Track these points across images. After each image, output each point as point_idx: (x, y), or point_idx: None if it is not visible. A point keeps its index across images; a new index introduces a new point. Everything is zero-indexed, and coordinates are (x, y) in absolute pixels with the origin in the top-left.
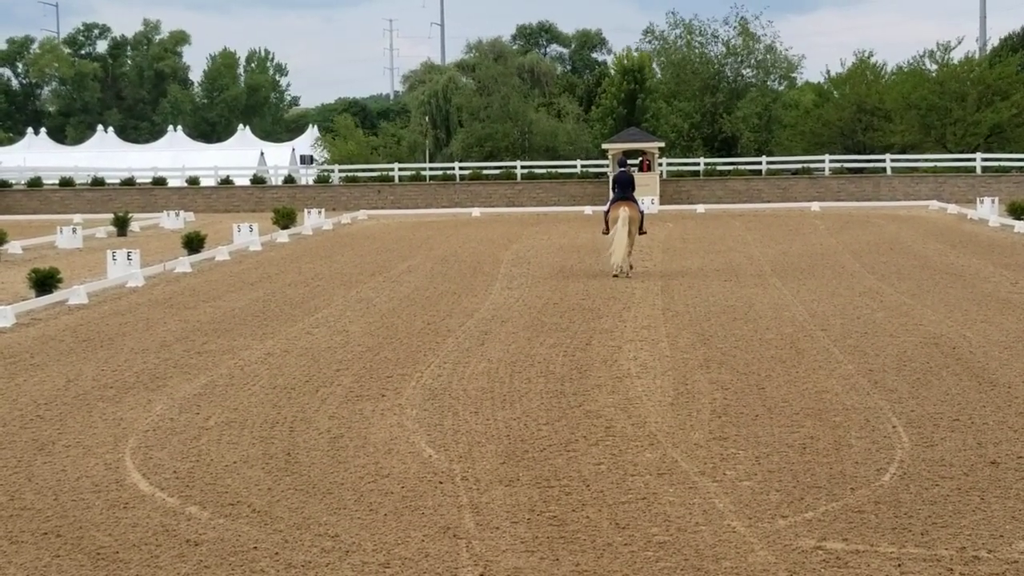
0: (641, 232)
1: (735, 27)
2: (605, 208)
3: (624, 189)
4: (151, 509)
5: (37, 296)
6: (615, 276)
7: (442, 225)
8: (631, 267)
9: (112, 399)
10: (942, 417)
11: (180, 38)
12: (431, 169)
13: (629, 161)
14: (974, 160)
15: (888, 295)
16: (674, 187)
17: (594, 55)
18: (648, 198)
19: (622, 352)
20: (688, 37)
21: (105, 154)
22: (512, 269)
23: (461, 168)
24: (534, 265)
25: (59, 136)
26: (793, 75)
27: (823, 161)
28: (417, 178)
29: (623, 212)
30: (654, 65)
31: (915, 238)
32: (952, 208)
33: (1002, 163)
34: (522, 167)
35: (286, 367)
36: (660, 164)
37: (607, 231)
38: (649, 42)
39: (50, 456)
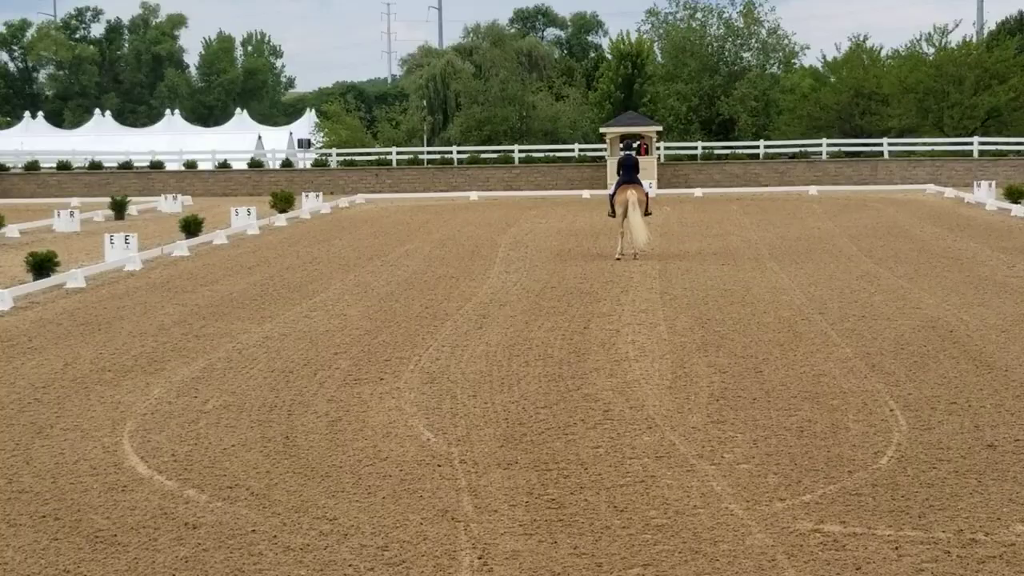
0: (647, 214)
1: (739, 9)
2: (611, 191)
3: (628, 172)
4: (149, 492)
5: (35, 280)
6: (618, 258)
7: (440, 209)
8: (635, 255)
9: (110, 382)
10: (939, 400)
11: (177, 21)
12: (429, 153)
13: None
14: (971, 144)
15: (885, 279)
16: (672, 171)
17: (590, 38)
18: (646, 182)
19: (620, 335)
20: (690, 21)
21: (103, 138)
22: (510, 253)
23: (459, 152)
24: (532, 249)
25: (56, 120)
26: (793, 61)
27: (820, 145)
28: (415, 162)
29: (632, 195)
30: (655, 48)
31: (912, 222)
32: (949, 192)
33: (999, 147)
34: (520, 151)
35: (284, 351)
36: (658, 148)
37: (613, 214)
38: (650, 23)
39: (48, 439)
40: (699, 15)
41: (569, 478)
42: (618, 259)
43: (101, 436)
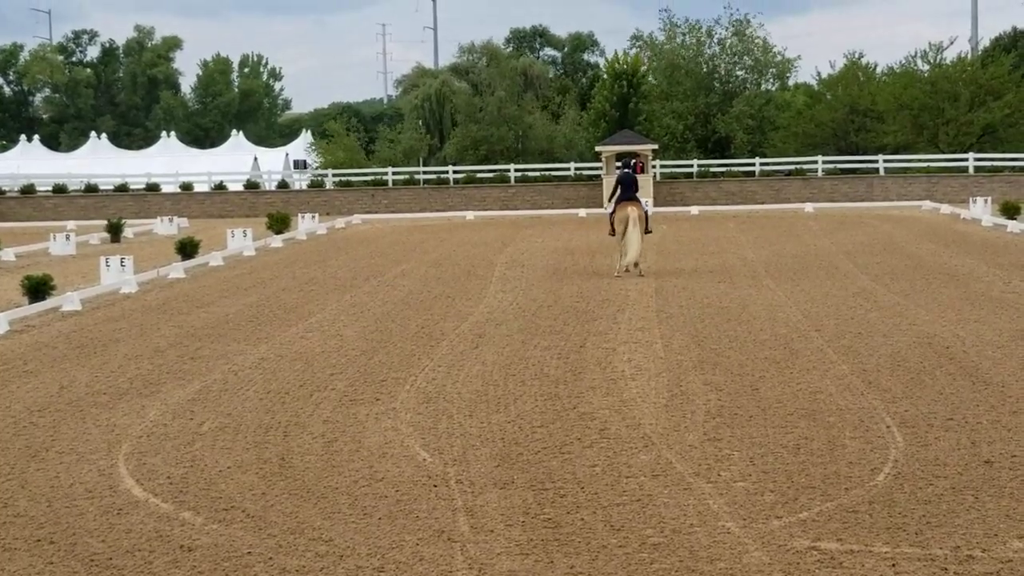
0: (647, 231)
1: (728, 28)
2: (610, 209)
3: (627, 189)
4: (145, 515)
5: (30, 303)
6: (617, 276)
7: (436, 229)
8: (641, 272)
9: (106, 405)
10: (936, 417)
11: (173, 44)
12: (425, 173)
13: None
14: (967, 160)
15: (882, 295)
16: (668, 189)
17: (586, 57)
18: (644, 200)
19: (616, 354)
20: (682, 38)
21: (99, 160)
22: (506, 272)
23: (455, 172)
24: (528, 268)
25: (53, 143)
26: (787, 75)
27: (816, 162)
28: (411, 182)
29: (632, 212)
30: (644, 67)
31: (908, 238)
32: (945, 208)
33: (995, 163)
34: (516, 170)
35: (280, 372)
36: (654, 166)
37: (613, 232)
38: (639, 47)
39: (43, 463)
40: (690, 36)
41: (565, 497)
42: (617, 276)
43: (96, 459)
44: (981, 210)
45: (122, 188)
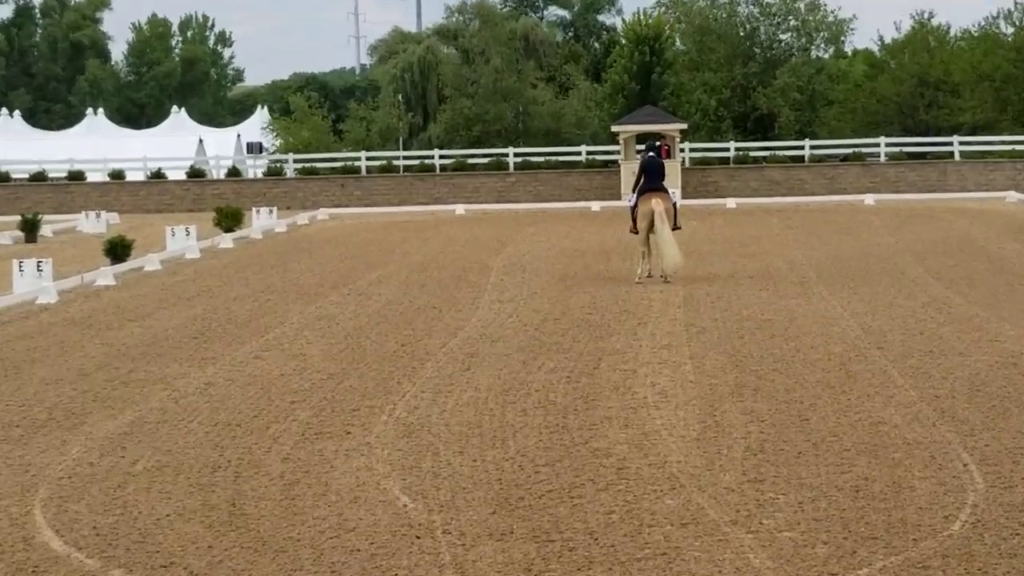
0: (675, 228)
1: None
2: (631, 202)
3: (652, 178)
4: (66, 573)
5: None
6: (638, 282)
7: (420, 226)
8: (667, 278)
9: (19, 440)
10: (1022, 453)
11: (100, 3)
12: (406, 158)
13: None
14: None
15: (957, 305)
16: (699, 177)
17: (600, 18)
18: (671, 190)
19: (637, 377)
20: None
21: (11, 143)
22: (504, 278)
23: (442, 157)
24: (530, 273)
25: None
26: (841, 39)
27: (878, 145)
28: (389, 169)
29: (658, 205)
30: (669, 30)
31: (989, 236)
32: None
33: None
34: (516, 155)
35: (230, 400)
36: (682, 150)
37: (635, 229)
38: (664, 6)
39: None
40: None
41: (576, 551)
42: (638, 282)
43: (8, 506)
44: None
45: (39, 176)
